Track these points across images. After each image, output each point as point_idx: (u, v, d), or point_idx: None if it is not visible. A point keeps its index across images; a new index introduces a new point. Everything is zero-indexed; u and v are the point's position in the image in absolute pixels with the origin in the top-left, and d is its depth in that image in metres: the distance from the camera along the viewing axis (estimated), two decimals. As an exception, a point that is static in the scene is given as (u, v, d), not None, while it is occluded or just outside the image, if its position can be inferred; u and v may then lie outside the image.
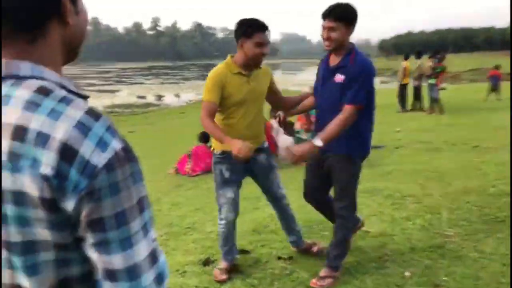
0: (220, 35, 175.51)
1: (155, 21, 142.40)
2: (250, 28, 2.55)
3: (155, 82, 38.53)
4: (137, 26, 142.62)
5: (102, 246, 0.67)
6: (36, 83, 0.68)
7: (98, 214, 0.66)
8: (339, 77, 2.49)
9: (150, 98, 25.23)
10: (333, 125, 2.43)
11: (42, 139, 0.63)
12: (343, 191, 2.64)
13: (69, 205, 0.65)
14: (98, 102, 21.41)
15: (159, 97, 25.87)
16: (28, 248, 0.67)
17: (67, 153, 0.63)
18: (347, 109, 2.44)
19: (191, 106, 20.53)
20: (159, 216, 4.38)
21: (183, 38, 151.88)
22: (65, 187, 0.64)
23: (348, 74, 2.46)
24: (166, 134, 12.61)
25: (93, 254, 0.68)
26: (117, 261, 0.67)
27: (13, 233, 0.66)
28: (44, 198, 0.64)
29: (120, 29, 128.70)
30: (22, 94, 0.66)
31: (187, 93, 27.26)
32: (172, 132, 12.87)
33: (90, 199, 0.65)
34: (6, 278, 0.71)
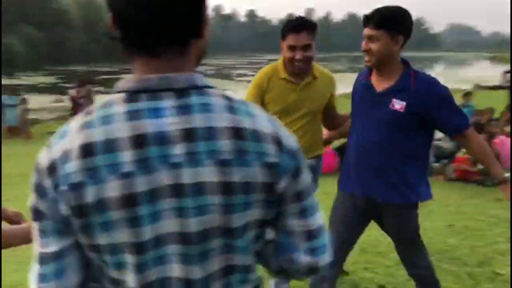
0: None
1: (309, 13, 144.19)
2: (285, 28, 2.28)
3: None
4: (291, 17, 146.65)
5: (302, 213, 0.83)
6: (217, 91, 0.79)
7: (298, 188, 0.82)
8: (398, 104, 1.95)
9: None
10: (485, 156, 2.01)
11: (258, 135, 0.77)
12: (414, 243, 2.20)
13: (282, 184, 0.79)
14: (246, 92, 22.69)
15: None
16: (245, 229, 0.78)
17: (278, 143, 0.79)
18: (471, 135, 1.99)
19: (339, 98, 20.12)
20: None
21: (335, 29, 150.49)
22: (281, 170, 0.78)
23: (413, 101, 1.94)
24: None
25: (293, 221, 0.84)
26: (312, 222, 0.84)
27: (235, 219, 0.76)
28: (266, 182, 0.77)
29: (275, 21, 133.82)
30: (218, 102, 0.77)
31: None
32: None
33: (294, 177, 0.80)
34: (176, 273, 0.75)
